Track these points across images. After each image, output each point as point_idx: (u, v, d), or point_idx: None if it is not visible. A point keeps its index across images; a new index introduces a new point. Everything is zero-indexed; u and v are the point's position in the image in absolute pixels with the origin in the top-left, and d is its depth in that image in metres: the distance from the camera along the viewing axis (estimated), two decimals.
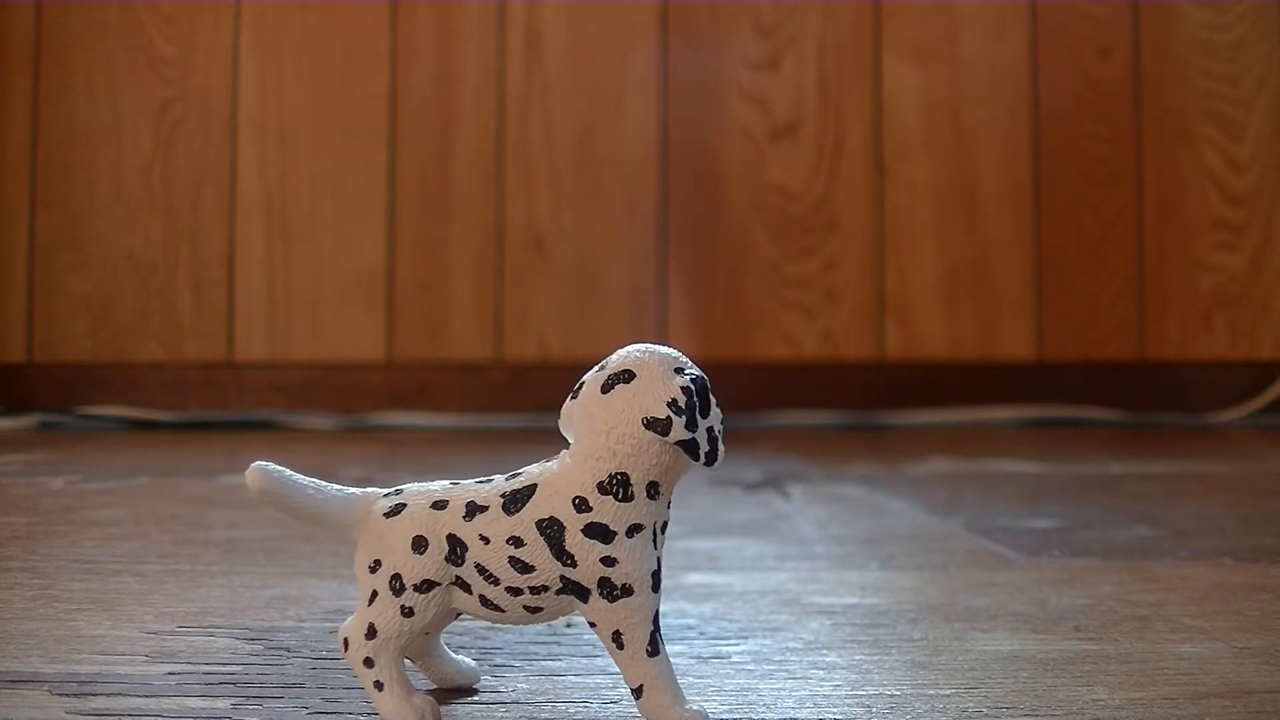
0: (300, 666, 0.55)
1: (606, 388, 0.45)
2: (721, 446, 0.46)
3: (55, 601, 0.68)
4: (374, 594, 0.46)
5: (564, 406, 0.47)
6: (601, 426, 0.45)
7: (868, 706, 0.50)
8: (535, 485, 0.46)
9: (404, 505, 0.47)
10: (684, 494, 1.16)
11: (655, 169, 2.33)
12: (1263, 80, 2.34)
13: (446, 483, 0.48)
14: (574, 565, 0.45)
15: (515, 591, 0.46)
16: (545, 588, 0.46)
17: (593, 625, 0.46)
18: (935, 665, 0.57)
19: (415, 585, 0.46)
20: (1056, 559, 0.84)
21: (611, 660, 0.46)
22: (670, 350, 0.46)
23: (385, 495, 0.48)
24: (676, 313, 2.32)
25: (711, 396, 0.46)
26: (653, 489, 0.45)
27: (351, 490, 0.49)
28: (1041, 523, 1.01)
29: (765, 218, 2.33)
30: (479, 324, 2.30)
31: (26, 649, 0.58)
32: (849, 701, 0.51)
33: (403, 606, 0.46)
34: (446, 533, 0.46)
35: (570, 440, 0.47)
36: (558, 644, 0.60)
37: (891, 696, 0.52)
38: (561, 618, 0.48)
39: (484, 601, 0.46)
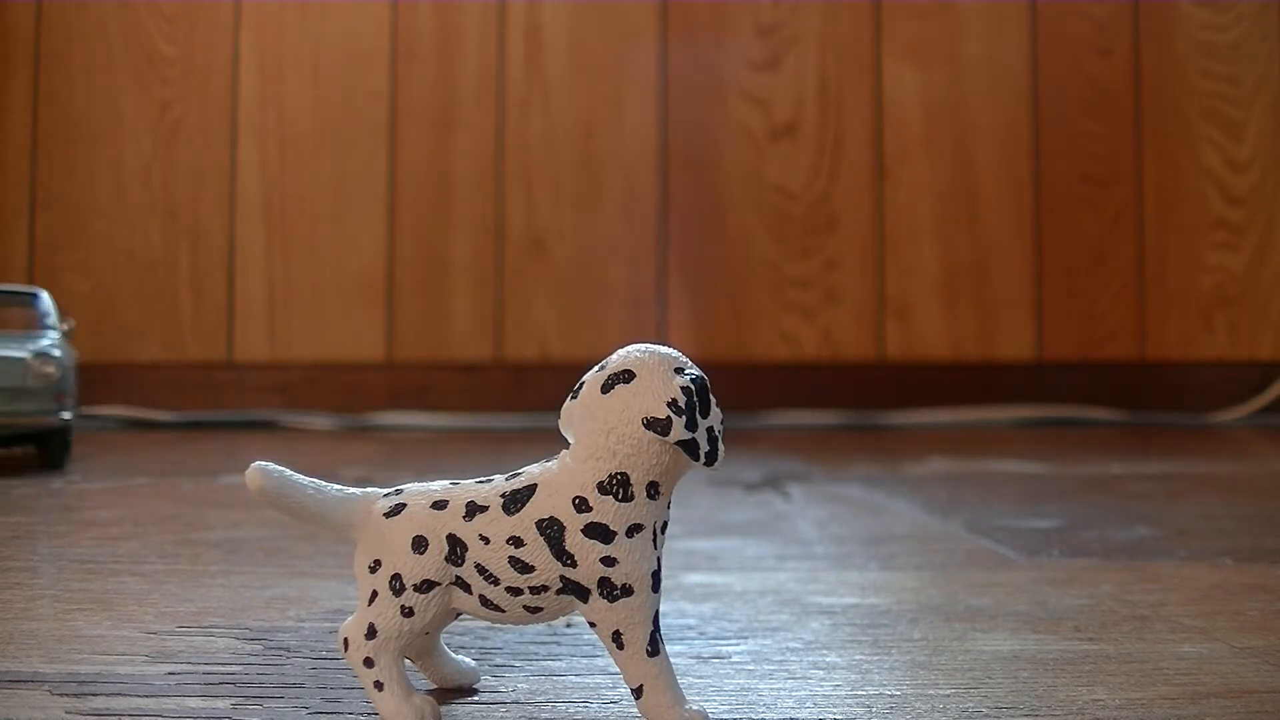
0: (300, 666, 0.55)
1: (606, 388, 0.45)
2: (721, 446, 0.46)
3: (55, 601, 0.68)
4: (374, 594, 0.46)
5: (564, 406, 0.47)
6: (601, 427, 0.45)
7: (868, 706, 0.50)
8: (535, 485, 0.46)
9: (404, 505, 0.47)
10: (684, 494, 1.16)
11: (655, 169, 2.33)
12: (1263, 80, 2.34)
13: (446, 483, 0.48)
14: (574, 565, 0.45)
15: (515, 591, 0.46)
16: (545, 588, 0.46)
17: (593, 625, 0.46)
18: (935, 665, 0.57)
19: (415, 585, 0.46)
20: (1056, 559, 0.84)
21: (611, 660, 0.46)
22: (670, 350, 0.46)
23: (385, 495, 0.48)
24: (676, 313, 2.32)
25: (711, 396, 0.46)
26: (653, 489, 0.45)
27: (351, 490, 0.49)
28: (1041, 523, 1.01)
29: (765, 218, 2.33)
30: (479, 324, 2.30)
31: (26, 649, 0.58)
32: (849, 701, 0.51)
33: (403, 606, 0.46)
34: (446, 533, 0.46)
35: (570, 440, 0.47)
36: (558, 644, 0.60)
37: (891, 696, 0.52)
38: (561, 618, 0.48)
39: (484, 601, 0.46)
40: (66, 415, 1.39)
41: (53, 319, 1.51)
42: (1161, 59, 2.34)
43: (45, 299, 1.53)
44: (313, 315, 2.31)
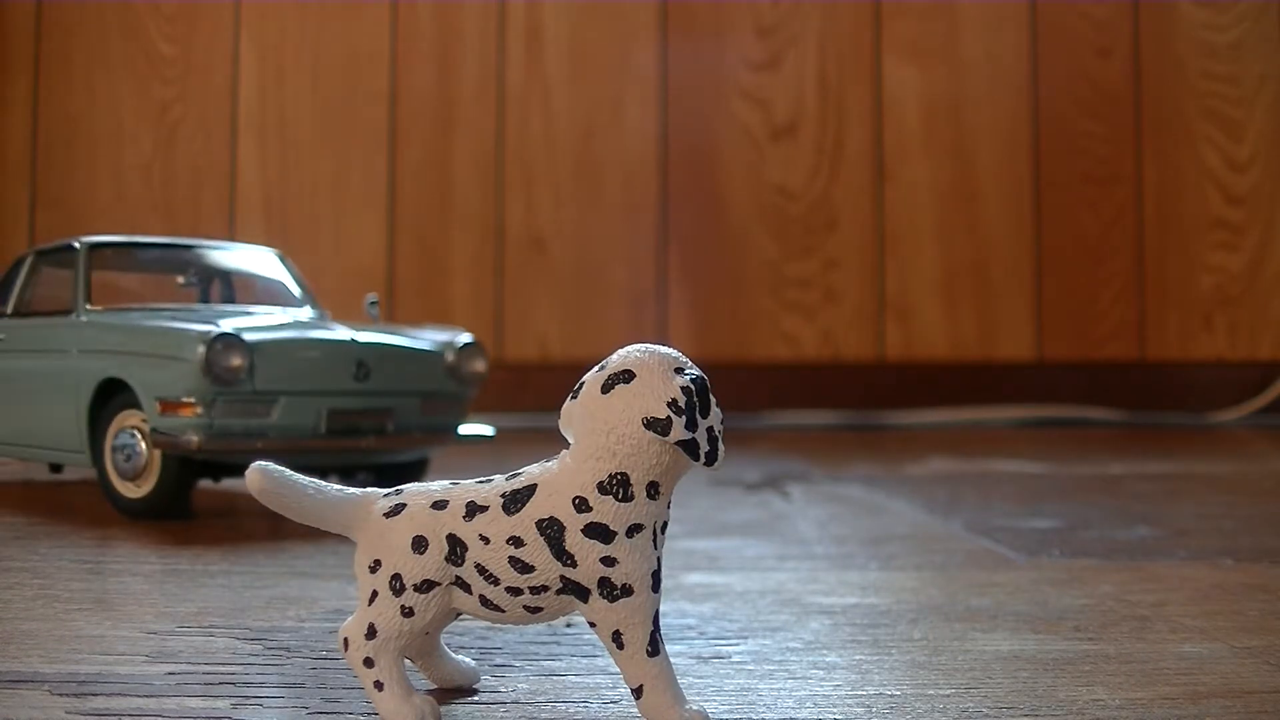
0: (300, 666, 0.55)
1: (606, 388, 0.45)
2: (721, 446, 0.46)
3: (55, 601, 0.68)
4: (374, 594, 0.46)
5: (564, 406, 0.47)
6: (601, 426, 0.45)
7: (868, 706, 0.50)
8: (535, 485, 0.46)
9: (404, 505, 0.47)
10: (684, 494, 1.16)
11: (655, 169, 2.33)
12: (1263, 80, 2.34)
13: (446, 483, 0.48)
14: (574, 565, 0.45)
15: (515, 591, 0.46)
16: (545, 588, 0.46)
17: (593, 625, 0.46)
18: (935, 665, 0.57)
19: (415, 585, 0.46)
20: (1056, 559, 0.84)
21: (611, 660, 0.46)
22: (670, 350, 0.46)
23: (385, 495, 0.48)
24: (676, 313, 2.32)
25: (711, 396, 0.46)
26: (653, 489, 0.45)
27: (351, 490, 0.49)
28: (1041, 523, 1.01)
29: (765, 218, 2.33)
30: (479, 324, 2.30)
31: (26, 649, 0.58)
32: (849, 701, 0.51)
33: (403, 606, 0.46)
34: (446, 533, 0.46)
35: (570, 440, 0.47)
36: (558, 644, 0.60)
37: (891, 696, 0.52)
38: (561, 618, 0.48)
39: (484, 601, 0.46)
40: (488, 431, 1.06)
41: (299, 289, 1.08)
42: (1161, 59, 2.34)
43: (276, 259, 1.12)
44: None
